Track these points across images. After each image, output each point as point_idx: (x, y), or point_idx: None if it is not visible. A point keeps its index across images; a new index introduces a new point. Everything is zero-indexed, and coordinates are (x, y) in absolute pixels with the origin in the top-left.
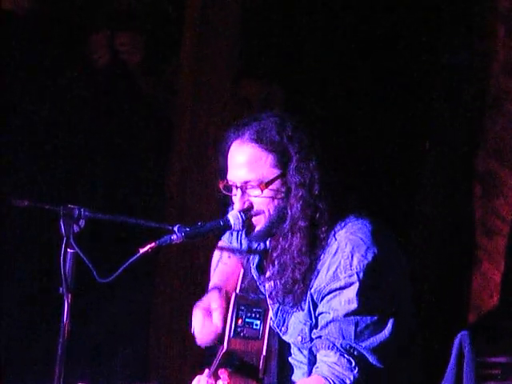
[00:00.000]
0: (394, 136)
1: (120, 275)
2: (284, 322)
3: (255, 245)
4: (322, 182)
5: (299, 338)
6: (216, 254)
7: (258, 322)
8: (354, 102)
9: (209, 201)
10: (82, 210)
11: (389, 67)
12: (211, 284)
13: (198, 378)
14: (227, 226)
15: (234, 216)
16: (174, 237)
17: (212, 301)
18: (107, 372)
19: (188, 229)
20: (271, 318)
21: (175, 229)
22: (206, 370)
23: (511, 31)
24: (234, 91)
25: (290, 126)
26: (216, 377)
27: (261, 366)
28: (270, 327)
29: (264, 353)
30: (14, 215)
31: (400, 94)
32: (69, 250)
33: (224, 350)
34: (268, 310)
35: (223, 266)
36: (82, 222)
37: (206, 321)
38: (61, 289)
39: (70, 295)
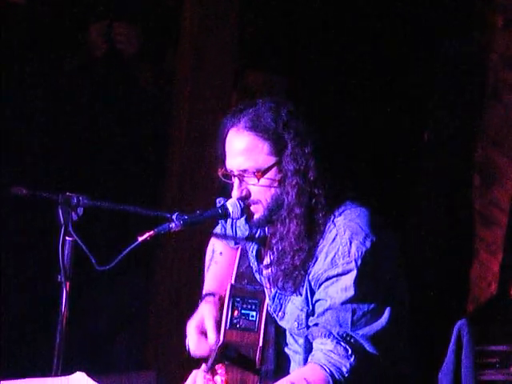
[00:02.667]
0: (393, 126)
1: (119, 263)
2: (281, 308)
3: (254, 231)
4: (317, 168)
5: (295, 323)
6: (208, 251)
7: (254, 314)
8: (354, 92)
9: (207, 189)
10: (81, 197)
11: (389, 58)
12: (205, 288)
13: (194, 372)
14: (225, 214)
15: (232, 204)
16: (172, 225)
17: (205, 314)
18: (106, 361)
19: (186, 217)
20: (268, 304)
21: (174, 217)
22: (203, 365)
23: (510, 22)
24: (235, 82)
25: (285, 113)
26: (213, 372)
27: (257, 357)
28: (267, 314)
29: (260, 344)
30: (13, 203)
31: (399, 85)
32: (67, 238)
33: (220, 343)
34: (264, 300)
35: (215, 267)
36: (80, 210)
37: (200, 339)
38: (59, 277)
39: (68, 283)
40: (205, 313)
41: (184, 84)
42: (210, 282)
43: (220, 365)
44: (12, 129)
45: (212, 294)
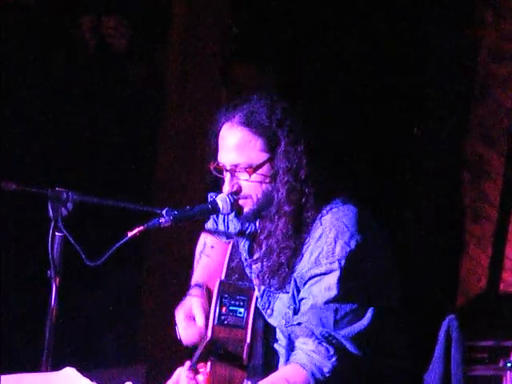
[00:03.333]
0: (382, 122)
1: (109, 258)
2: (269, 305)
3: (246, 226)
4: (309, 167)
5: (283, 321)
6: (199, 244)
7: (242, 310)
8: (345, 87)
9: (196, 185)
10: (70, 193)
11: (380, 53)
12: (193, 279)
13: (179, 369)
14: (215, 210)
15: (222, 199)
16: (162, 220)
17: (193, 302)
18: (95, 355)
19: (176, 212)
20: (257, 299)
21: (163, 212)
22: (187, 363)
23: (499, 17)
24: (225, 76)
25: (279, 110)
26: (196, 371)
27: (245, 354)
28: (257, 309)
29: (248, 340)
30: (2, 199)
31: (389, 80)
32: (57, 233)
33: (207, 339)
34: (252, 297)
35: (206, 259)
36: (70, 205)
37: (190, 326)
38: (49, 272)
39: (58, 279)
40: (193, 301)
41: (173, 78)
42: (198, 274)
43: (202, 364)
44: (3, 125)
45: (200, 286)
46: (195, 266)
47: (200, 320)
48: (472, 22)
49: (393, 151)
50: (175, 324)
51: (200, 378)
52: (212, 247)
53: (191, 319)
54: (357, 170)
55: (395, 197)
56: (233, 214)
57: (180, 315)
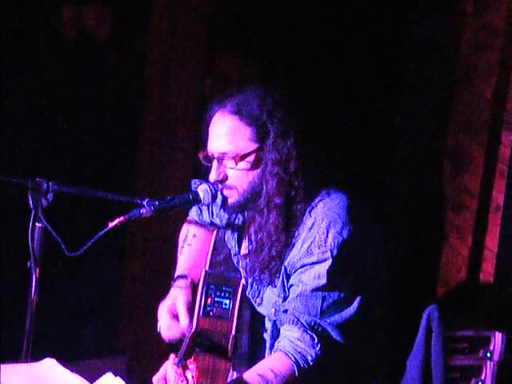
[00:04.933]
0: (364, 112)
1: (89, 249)
2: (259, 294)
3: (233, 217)
4: (298, 159)
5: (272, 310)
6: (182, 232)
7: (228, 302)
8: (326, 77)
9: (178, 175)
10: (51, 183)
11: (358, 43)
12: (177, 271)
13: (165, 364)
14: (196, 200)
15: (203, 190)
16: (143, 210)
17: (177, 297)
18: (76, 345)
19: (157, 202)
20: (246, 288)
21: (144, 202)
22: (172, 356)
23: (479, 8)
24: (208, 67)
25: (271, 101)
26: (184, 367)
27: (230, 346)
28: (244, 298)
29: (233, 333)
30: None
31: (370, 70)
32: (37, 223)
33: (193, 331)
34: (238, 288)
35: (188, 248)
36: (50, 196)
37: (172, 322)
38: (29, 263)
39: (38, 269)
40: (177, 296)
41: (155, 69)
42: (182, 265)
43: (191, 360)
44: None
45: (184, 277)
46: (178, 255)
47: (183, 320)
48: (452, 13)
49: (373, 141)
50: (157, 320)
51: (189, 375)
52: (194, 236)
53: (174, 317)
54: (338, 161)
55: (375, 187)
56: (219, 206)
57: (163, 312)
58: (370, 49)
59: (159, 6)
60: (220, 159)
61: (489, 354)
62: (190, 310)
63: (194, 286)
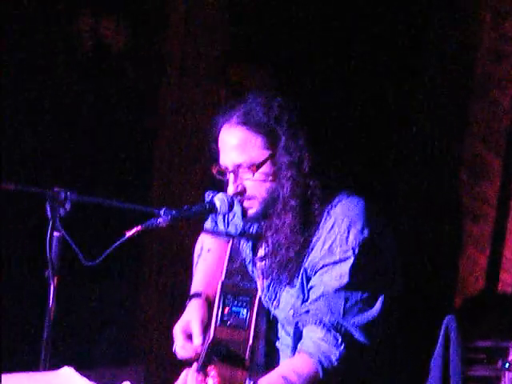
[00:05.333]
0: (380, 121)
1: (106, 258)
2: (276, 297)
3: (248, 226)
4: (311, 160)
5: (291, 312)
6: (197, 247)
7: (245, 311)
8: (342, 83)
9: (195, 185)
10: (69, 193)
11: (376, 52)
12: (192, 288)
13: (185, 371)
14: (213, 209)
15: (219, 199)
16: (160, 220)
17: (192, 316)
18: (94, 354)
19: (174, 212)
20: (262, 292)
21: (161, 212)
22: (194, 364)
23: (497, 18)
24: (223, 76)
25: (276, 106)
26: (205, 373)
27: (247, 355)
28: (260, 306)
29: (250, 342)
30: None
31: (387, 79)
32: (55, 233)
33: (210, 340)
34: (255, 297)
35: (203, 264)
36: (68, 205)
37: (186, 343)
38: (47, 272)
39: (55, 278)
40: (191, 315)
41: (171, 78)
42: (197, 281)
43: (213, 366)
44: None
45: (199, 295)
46: (194, 270)
47: (197, 339)
48: (470, 22)
49: (390, 150)
50: (173, 340)
51: (210, 381)
52: (209, 250)
53: (188, 337)
54: (354, 169)
55: (392, 196)
56: (233, 213)
57: (177, 332)
58: (387, 57)
59: (175, 17)
60: (235, 172)
61: (507, 365)
62: (205, 328)
63: (209, 303)
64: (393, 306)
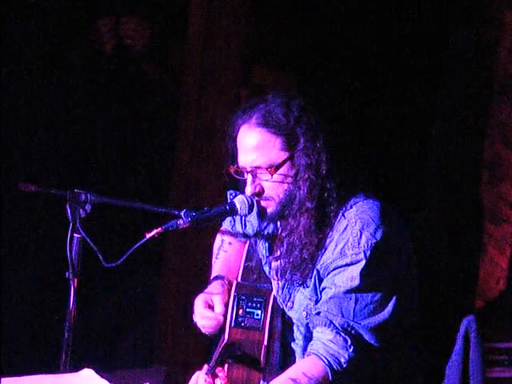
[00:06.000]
0: (401, 121)
1: (127, 260)
2: (290, 298)
3: (264, 226)
4: (329, 162)
5: (304, 313)
6: (217, 241)
7: (259, 312)
8: (363, 88)
9: (215, 186)
10: (89, 194)
11: (397, 53)
12: (213, 273)
13: (197, 373)
14: (233, 211)
15: (239, 200)
16: (180, 222)
17: (213, 290)
18: (113, 357)
19: (194, 214)
20: (277, 293)
21: (182, 214)
22: (205, 366)
23: None
24: (245, 78)
25: (296, 107)
26: (214, 375)
27: (262, 357)
28: (275, 306)
29: (265, 343)
30: (22, 200)
31: (407, 80)
32: (75, 234)
33: (225, 342)
34: (270, 298)
35: (224, 254)
36: (88, 207)
37: (208, 311)
38: (67, 274)
39: (76, 280)
40: (212, 289)
41: (192, 80)
42: (218, 267)
43: (220, 368)
44: (21, 126)
45: (221, 278)
46: (213, 261)
47: (218, 307)
48: (491, 22)
49: (411, 151)
50: (193, 312)
51: (218, 382)
52: (230, 243)
53: (209, 307)
54: (373, 170)
55: (414, 197)
56: (253, 213)
57: (199, 303)
58: (407, 59)
59: (196, 18)
60: (253, 172)
61: None
62: (225, 305)
63: (230, 287)
64: (407, 312)
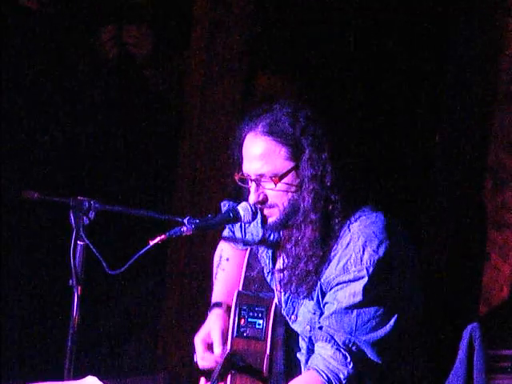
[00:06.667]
0: (404, 128)
1: (131, 267)
2: (294, 311)
3: (268, 235)
4: (334, 174)
5: (308, 327)
6: (216, 256)
7: (261, 322)
8: (366, 95)
9: (219, 193)
10: (92, 202)
11: (400, 59)
12: (213, 298)
13: (203, 380)
14: (237, 218)
15: (243, 208)
16: (184, 229)
17: (212, 327)
18: (117, 363)
19: (198, 221)
20: (281, 306)
21: (185, 221)
22: (202, 379)
23: None
24: (248, 85)
25: (303, 117)
26: None
27: (265, 366)
28: (278, 315)
29: (267, 352)
30: (25, 207)
31: (410, 87)
32: (79, 242)
33: (227, 352)
34: (271, 307)
35: (223, 274)
36: (91, 214)
37: (208, 354)
38: (71, 281)
39: (79, 288)
40: (212, 325)
41: (195, 86)
42: (217, 291)
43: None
44: (25, 133)
45: (219, 305)
46: (214, 280)
47: (217, 349)
48: (494, 29)
49: (413, 158)
50: (194, 351)
51: None
52: (227, 259)
53: (208, 347)
54: (377, 180)
55: (416, 204)
56: (257, 223)
57: (198, 344)
58: (409, 65)
59: (199, 25)
60: (258, 181)
61: None
62: (225, 339)
63: (229, 313)
64: (410, 326)
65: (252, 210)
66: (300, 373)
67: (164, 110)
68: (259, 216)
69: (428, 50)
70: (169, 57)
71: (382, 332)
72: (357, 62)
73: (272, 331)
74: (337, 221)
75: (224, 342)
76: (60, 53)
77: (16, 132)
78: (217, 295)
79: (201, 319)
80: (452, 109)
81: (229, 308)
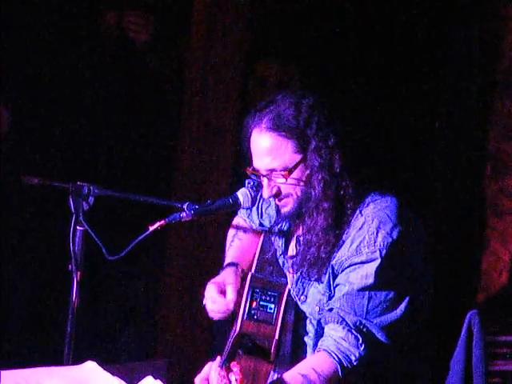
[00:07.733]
0: (404, 115)
1: (129, 252)
2: (303, 291)
3: (280, 222)
4: (342, 160)
5: (316, 308)
6: (231, 228)
7: (273, 306)
8: (366, 82)
9: (219, 178)
10: (92, 187)
11: (400, 46)
12: (227, 260)
13: (209, 364)
14: (236, 204)
15: (242, 193)
16: (183, 214)
17: (226, 277)
18: (117, 348)
19: (197, 206)
20: (291, 286)
21: (185, 206)
22: (218, 358)
23: None
24: (249, 71)
25: (305, 108)
26: (228, 369)
27: (272, 350)
28: (288, 299)
29: (276, 337)
30: (25, 192)
31: (411, 74)
32: (78, 227)
33: (236, 332)
34: (283, 293)
35: (239, 242)
36: (91, 199)
37: (219, 296)
38: (70, 266)
39: (79, 273)
40: (226, 275)
41: (195, 73)
42: (232, 253)
43: (235, 362)
44: (24, 118)
45: (234, 264)
46: (227, 248)
47: (230, 294)
48: (494, 17)
49: (414, 145)
50: (203, 297)
51: (232, 378)
52: (245, 232)
53: (221, 293)
54: (385, 166)
55: (416, 191)
56: (268, 203)
57: (211, 288)
58: (409, 53)
59: (199, 10)
60: (269, 176)
61: None
62: (238, 292)
63: (243, 275)
64: (421, 308)
65: (251, 196)
66: (305, 356)
67: (164, 95)
68: (275, 203)
69: (428, 37)
70: (169, 42)
71: (393, 315)
72: (357, 48)
73: (283, 316)
74: (349, 206)
75: (237, 292)
76: (60, 39)
77: (15, 119)
78: (231, 257)
79: (199, 305)
80: (451, 96)
81: (243, 271)
